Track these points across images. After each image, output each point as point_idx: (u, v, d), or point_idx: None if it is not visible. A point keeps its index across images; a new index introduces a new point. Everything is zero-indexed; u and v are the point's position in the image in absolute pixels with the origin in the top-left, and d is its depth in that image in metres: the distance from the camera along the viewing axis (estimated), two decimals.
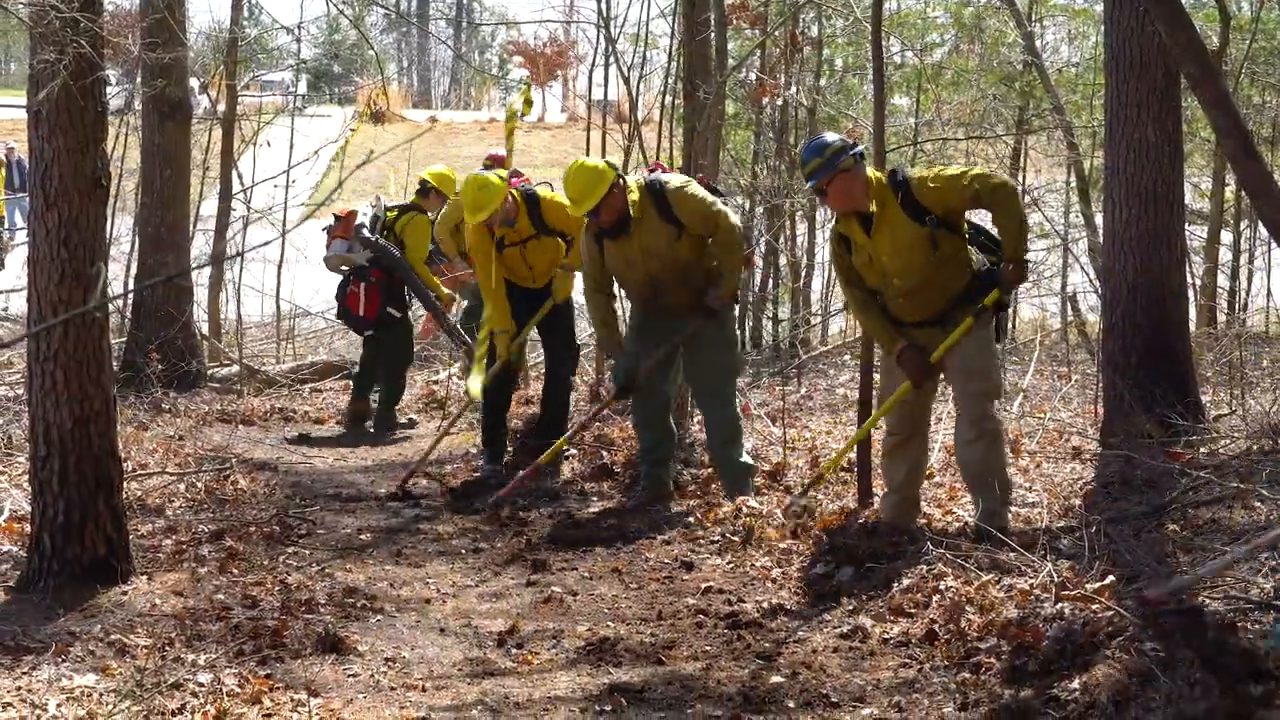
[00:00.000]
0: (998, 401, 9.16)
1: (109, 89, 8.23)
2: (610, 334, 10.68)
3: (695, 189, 10.25)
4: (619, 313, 11.19)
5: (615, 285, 10.84)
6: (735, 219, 10.30)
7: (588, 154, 15.30)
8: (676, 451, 10.82)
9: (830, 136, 9.06)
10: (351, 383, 14.78)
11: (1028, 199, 19.87)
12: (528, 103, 12.41)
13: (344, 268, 13.92)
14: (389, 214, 14.08)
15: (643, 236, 10.10)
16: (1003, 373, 9.90)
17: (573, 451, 11.61)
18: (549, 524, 9.91)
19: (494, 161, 14.03)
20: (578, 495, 10.70)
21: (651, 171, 10.74)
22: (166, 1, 14.87)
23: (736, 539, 9.05)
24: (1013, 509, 9.12)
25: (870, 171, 8.79)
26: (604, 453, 11.44)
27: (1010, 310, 19.66)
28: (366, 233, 13.70)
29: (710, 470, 10.64)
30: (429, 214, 14.18)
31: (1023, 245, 8.68)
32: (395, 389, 14.22)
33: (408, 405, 14.67)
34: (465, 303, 15.16)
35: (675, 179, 10.39)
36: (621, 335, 10.74)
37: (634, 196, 10.14)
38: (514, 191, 11.44)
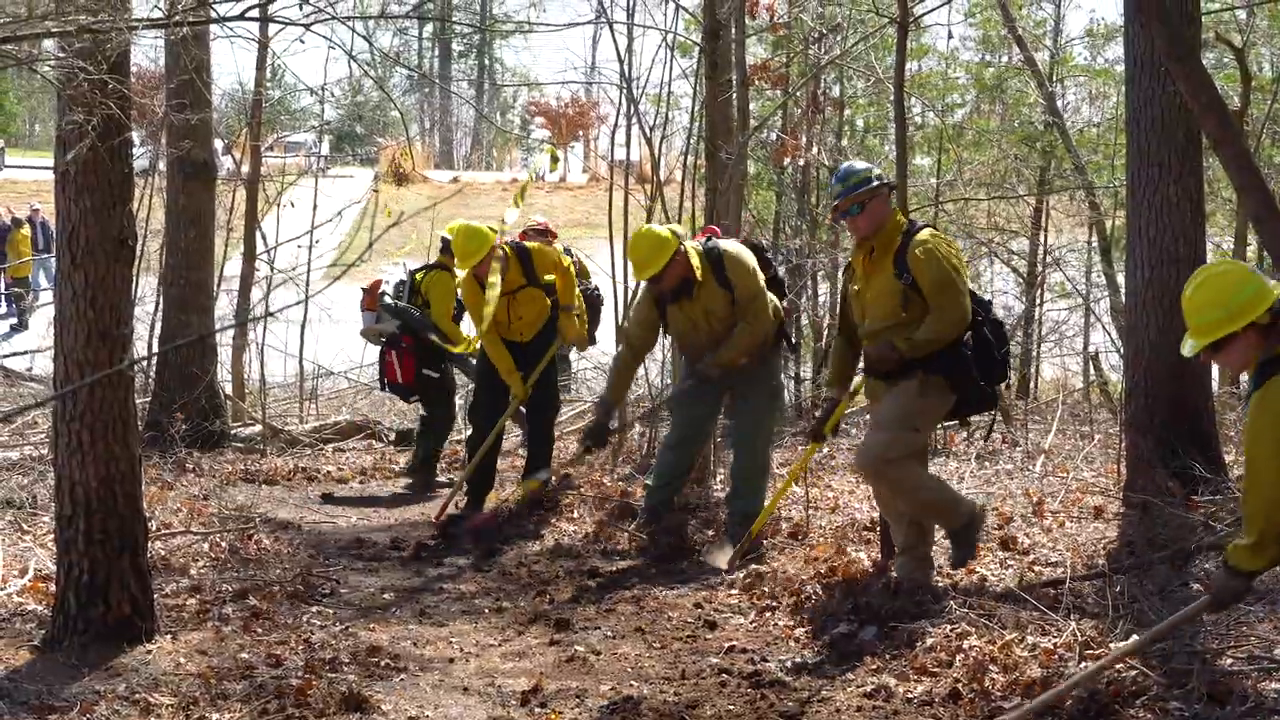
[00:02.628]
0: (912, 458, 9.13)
1: (134, 150, 8.28)
2: (615, 394, 11.19)
3: (747, 258, 10.65)
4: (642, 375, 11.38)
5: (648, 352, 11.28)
6: (769, 307, 10.63)
7: (609, 214, 15.39)
8: (698, 510, 10.86)
9: (862, 164, 9.32)
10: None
11: (1049, 259, 19.88)
12: (554, 159, 12.54)
13: (382, 338, 14.07)
14: (416, 275, 14.22)
15: (705, 299, 10.48)
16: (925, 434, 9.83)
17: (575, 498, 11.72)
18: (572, 583, 9.91)
19: (537, 233, 14.34)
20: (601, 554, 10.68)
21: (706, 236, 11.11)
22: (195, 63, 14.93)
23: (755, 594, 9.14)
24: (1020, 569, 9.16)
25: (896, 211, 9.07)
26: (628, 514, 11.43)
27: (1031, 370, 19.69)
28: (389, 299, 13.92)
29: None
30: (454, 271, 14.25)
31: (920, 346, 8.80)
32: (434, 449, 14.31)
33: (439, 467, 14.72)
34: None
35: (730, 244, 10.79)
36: (620, 397, 11.31)
37: (695, 262, 10.50)
38: (505, 246, 12.02)
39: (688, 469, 11.15)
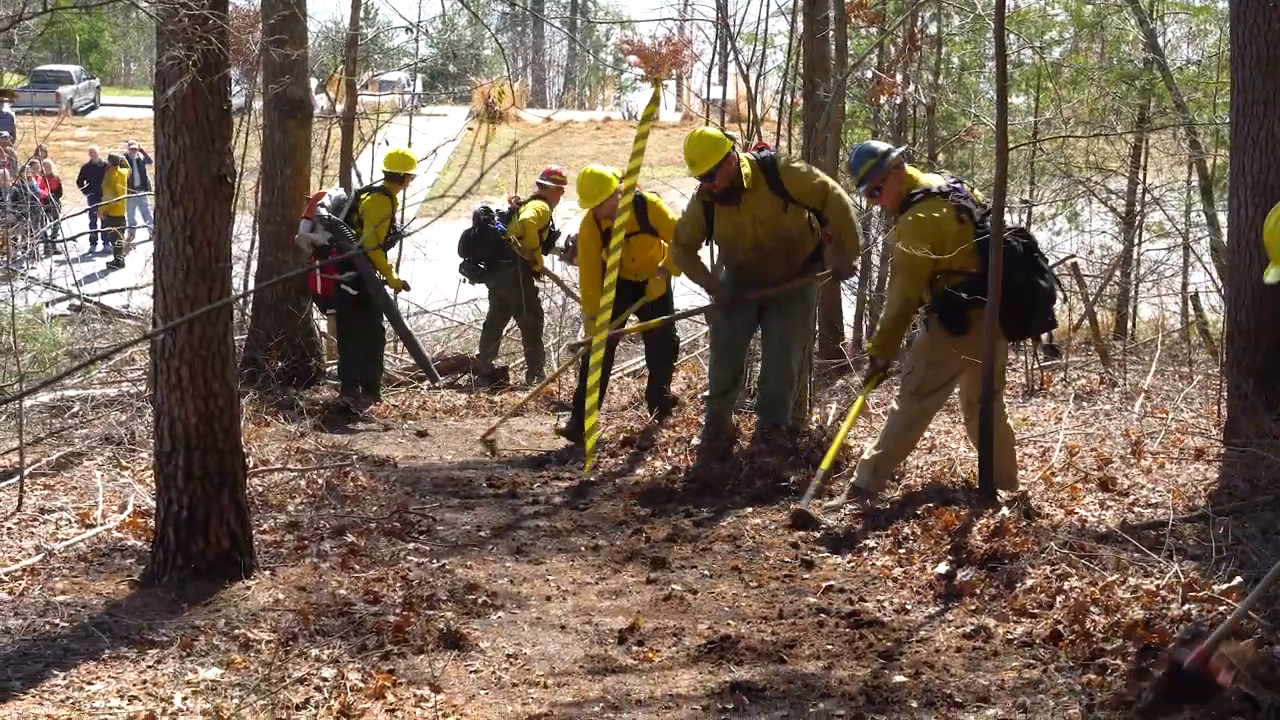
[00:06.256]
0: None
1: (231, 87, 8.30)
2: (706, 277, 11.80)
3: (803, 165, 11.18)
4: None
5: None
6: (842, 190, 11.14)
7: None
8: (794, 451, 10.86)
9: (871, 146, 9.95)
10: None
11: (1148, 198, 19.65)
12: (654, 100, 12.55)
13: (313, 247, 14.44)
14: (361, 196, 15.02)
15: (753, 205, 10.88)
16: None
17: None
18: (667, 521, 9.89)
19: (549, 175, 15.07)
20: (695, 493, 10.64)
21: (759, 150, 11.45)
22: None
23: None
24: (1121, 510, 9.08)
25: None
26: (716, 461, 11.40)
27: (1129, 310, 19.51)
28: (325, 212, 14.39)
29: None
30: (395, 197, 15.19)
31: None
32: (360, 369, 14.99)
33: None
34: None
35: (784, 156, 11.45)
36: (712, 275, 11.90)
37: (746, 169, 10.92)
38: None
39: (736, 380, 11.65)
